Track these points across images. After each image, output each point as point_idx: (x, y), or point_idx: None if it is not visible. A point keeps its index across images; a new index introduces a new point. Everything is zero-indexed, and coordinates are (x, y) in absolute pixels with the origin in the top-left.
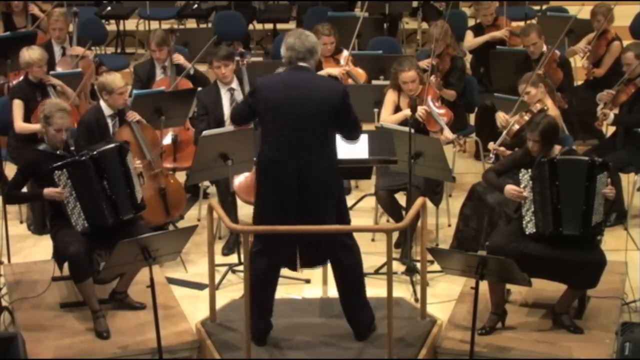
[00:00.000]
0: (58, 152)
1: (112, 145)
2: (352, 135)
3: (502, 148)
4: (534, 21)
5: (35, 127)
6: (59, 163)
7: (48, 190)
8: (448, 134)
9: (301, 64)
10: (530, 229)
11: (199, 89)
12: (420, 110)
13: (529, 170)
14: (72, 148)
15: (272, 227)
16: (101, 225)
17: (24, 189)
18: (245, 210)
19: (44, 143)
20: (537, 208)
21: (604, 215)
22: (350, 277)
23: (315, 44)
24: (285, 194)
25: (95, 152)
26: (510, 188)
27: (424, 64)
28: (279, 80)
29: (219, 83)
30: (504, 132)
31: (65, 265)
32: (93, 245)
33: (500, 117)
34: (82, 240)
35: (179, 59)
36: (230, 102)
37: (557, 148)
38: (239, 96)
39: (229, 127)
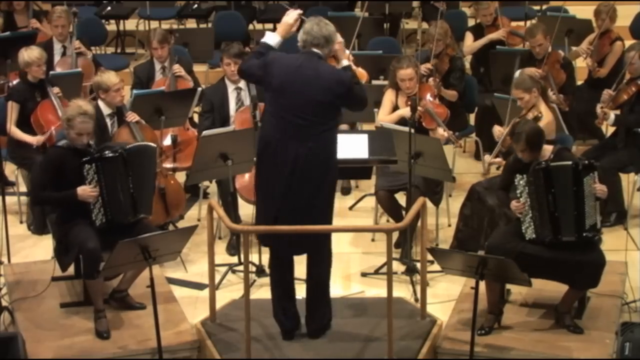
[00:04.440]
0: (79, 147)
1: (151, 144)
2: (357, 106)
3: (497, 159)
4: (534, 21)
5: (25, 137)
6: (89, 158)
7: (82, 191)
8: (442, 130)
9: (315, 49)
10: (530, 234)
11: (204, 86)
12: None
13: (524, 176)
14: (92, 142)
15: (273, 227)
16: (119, 222)
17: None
18: (247, 210)
19: (63, 139)
20: (534, 214)
21: (600, 215)
22: (321, 274)
23: (332, 33)
24: (279, 175)
25: (126, 149)
26: (512, 205)
27: (423, 69)
28: (289, 62)
29: (226, 81)
30: (499, 143)
31: (66, 265)
32: (107, 244)
33: (497, 131)
34: (96, 237)
35: (180, 71)
36: (236, 102)
37: (549, 149)
38: (246, 96)
39: (230, 127)
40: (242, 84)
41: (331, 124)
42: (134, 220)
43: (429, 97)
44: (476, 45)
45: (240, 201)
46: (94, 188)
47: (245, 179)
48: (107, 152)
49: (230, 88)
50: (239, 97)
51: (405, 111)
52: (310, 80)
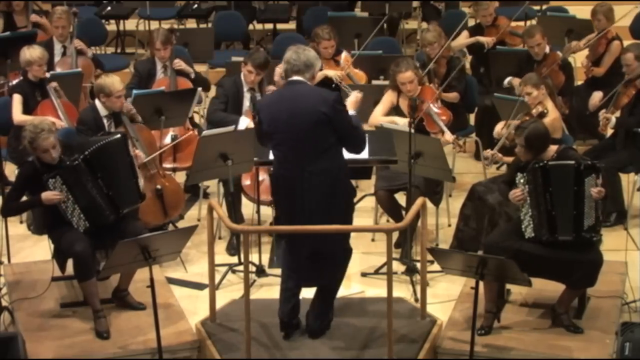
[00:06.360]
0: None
1: (116, 136)
2: (352, 145)
3: (499, 154)
4: (534, 21)
5: (34, 118)
6: (52, 173)
7: (46, 195)
8: (448, 136)
9: (295, 77)
10: (529, 233)
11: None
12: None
13: (524, 174)
14: (61, 154)
15: (273, 227)
16: (102, 224)
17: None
18: (247, 210)
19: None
20: (534, 213)
21: (601, 215)
22: (331, 281)
23: (311, 58)
24: (294, 207)
25: (87, 153)
26: (511, 194)
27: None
28: (274, 98)
29: (242, 79)
30: (503, 137)
31: (67, 265)
32: (95, 244)
33: (498, 128)
34: (86, 239)
35: (180, 64)
36: (250, 100)
37: (553, 148)
38: (258, 96)
39: (229, 127)
40: (255, 85)
41: (327, 145)
42: (119, 217)
43: (430, 103)
44: (463, 43)
45: (242, 200)
46: (57, 192)
47: (249, 180)
48: (67, 162)
49: (246, 87)
50: (253, 96)
51: (400, 121)
52: (295, 108)
